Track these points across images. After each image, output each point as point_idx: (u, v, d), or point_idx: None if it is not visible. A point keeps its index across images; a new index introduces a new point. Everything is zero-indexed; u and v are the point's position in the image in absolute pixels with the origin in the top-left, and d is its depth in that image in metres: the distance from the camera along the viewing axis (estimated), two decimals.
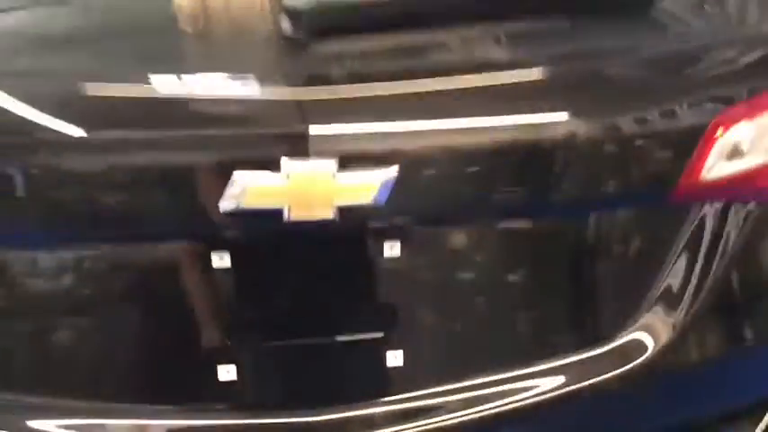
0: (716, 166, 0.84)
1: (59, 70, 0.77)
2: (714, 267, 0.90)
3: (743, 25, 0.99)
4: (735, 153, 0.85)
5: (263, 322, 0.83)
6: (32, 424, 0.80)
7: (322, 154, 0.71)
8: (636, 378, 0.89)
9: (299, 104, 0.74)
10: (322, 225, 0.72)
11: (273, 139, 0.72)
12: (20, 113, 0.71)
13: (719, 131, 0.83)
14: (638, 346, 0.90)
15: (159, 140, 0.73)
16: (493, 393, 0.87)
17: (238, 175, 0.69)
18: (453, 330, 0.88)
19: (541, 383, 0.88)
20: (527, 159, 0.80)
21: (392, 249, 0.80)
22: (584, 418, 0.92)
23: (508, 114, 0.78)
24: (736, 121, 0.84)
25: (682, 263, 0.89)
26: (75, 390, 0.82)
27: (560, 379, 0.88)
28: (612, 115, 0.81)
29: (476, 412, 0.86)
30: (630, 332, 0.90)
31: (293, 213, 0.71)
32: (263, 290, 0.81)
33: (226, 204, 0.70)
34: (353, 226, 0.75)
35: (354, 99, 0.75)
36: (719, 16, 0.98)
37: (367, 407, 0.84)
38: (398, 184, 0.72)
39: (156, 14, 0.88)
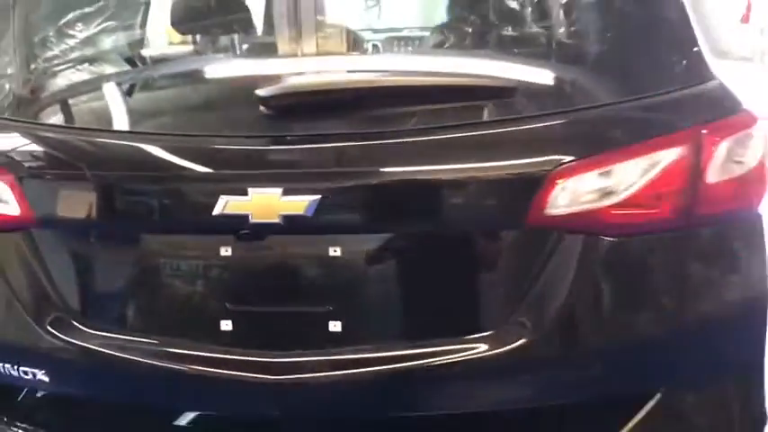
0: (554, 206, 1.18)
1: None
2: (569, 280, 1.22)
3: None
4: (572, 198, 1.19)
5: (249, 293, 1.29)
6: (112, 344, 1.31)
7: (272, 185, 1.17)
8: (509, 357, 1.23)
9: (261, 156, 1.22)
10: (273, 225, 1.18)
11: (244, 177, 1.20)
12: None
13: (559, 178, 1.18)
14: (511, 335, 1.24)
15: (190, 179, 1.24)
16: (404, 355, 1.25)
17: (222, 201, 1.17)
18: (378, 308, 1.29)
19: (442, 354, 1.25)
20: (420, 195, 1.21)
21: (332, 248, 1.23)
22: (473, 381, 1.27)
23: (400, 165, 1.21)
24: (570, 174, 1.18)
25: (544, 274, 1.23)
26: (143, 327, 1.33)
27: (455, 352, 1.25)
28: (484, 164, 1.21)
29: (390, 369, 1.25)
30: (506, 324, 1.25)
31: (254, 218, 1.18)
32: (248, 273, 1.28)
33: (219, 213, 1.18)
34: (293, 228, 1.19)
35: (292, 154, 1.22)
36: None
37: (313, 356, 1.27)
38: (319, 206, 1.16)
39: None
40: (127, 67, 1.65)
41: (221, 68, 1.71)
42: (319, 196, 1.16)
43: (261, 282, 1.29)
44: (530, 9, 1.59)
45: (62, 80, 1.52)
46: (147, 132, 1.34)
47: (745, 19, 5.96)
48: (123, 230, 1.33)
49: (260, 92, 1.21)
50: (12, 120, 1.39)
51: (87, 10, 1.66)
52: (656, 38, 1.35)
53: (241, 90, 1.37)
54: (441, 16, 1.82)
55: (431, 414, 1.32)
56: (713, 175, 1.22)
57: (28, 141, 1.35)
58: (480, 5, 1.70)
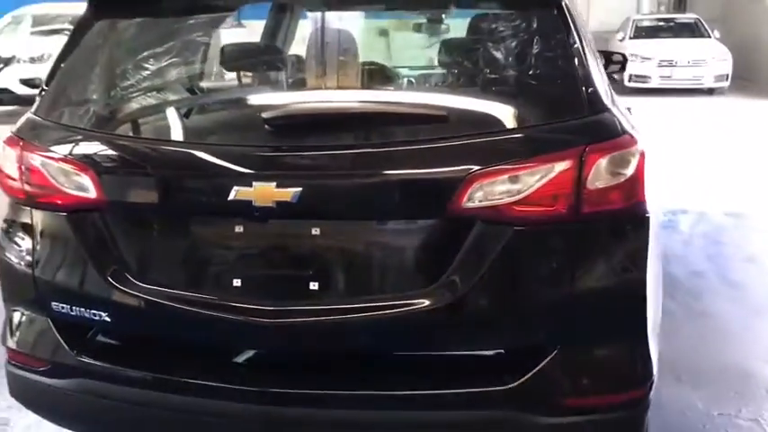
0: (472, 199, 1.63)
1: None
2: (491, 251, 1.66)
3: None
4: (484, 195, 1.63)
5: (253, 260, 1.77)
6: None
7: (268, 181, 1.65)
8: (439, 310, 1.67)
9: (262, 160, 1.71)
10: (270, 209, 1.66)
11: (250, 174, 1.69)
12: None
13: (475, 181, 1.63)
14: (441, 294, 1.68)
15: (214, 175, 1.74)
16: (365, 307, 1.71)
17: (234, 190, 1.67)
18: (346, 273, 1.76)
19: (392, 306, 1.70)
20: (375, 191, 1.69)
21: (313, 229, 1.71)
22: (414, 326, 1.71)
23: (361, 169, 1.68)
24: (484, 178, 1.63)
25: (466, 250, 1.67)
26: (176, 282, 1.82)
27: (401, 306, 1.70)
28: (422, 170, 1.67)
29: (354, 316, 1.71)
30: (438, 286, 1.69)
31: (256, 203, 1.66)
32: (253, 245, 1.77)
33: (231, 198, 1.68)
34: (283, 211, 1.67)
35: (284, 159, 1.71)
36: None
37: (297, 306, 1.74)
38: (300, 197, 1.64)
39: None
40: (186, 95, 2.17)
41: (245, 97, 2.24)
42: (300, 188, 1.65)
43: (262, 252, 1.78)
44: (466, 58, 2.08)
45: (134, 103, 2.06)
46: (185, 142, 1.87)
47: None
48: (165, 211, 1.85)
49: (264, 115, 1.72)
50: (93, 131, 1.93)
51: (158, 49, 2.21)
52: (560, 82, 1.80)
53: (255, 113, 1.88)
54: (410, 62, 2.32)
55: (382, 351, 1.77)
56: (593, 182, 1.65)
57: (104, 147, 1.88)
58: (434, 56, 2.20)
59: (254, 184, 1.66)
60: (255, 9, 2.41)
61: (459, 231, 1.68)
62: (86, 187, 1.82)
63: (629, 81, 13.56)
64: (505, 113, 1.86)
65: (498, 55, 1.93)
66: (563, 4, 1.80)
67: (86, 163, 1.83)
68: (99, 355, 1.92)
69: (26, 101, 7.42)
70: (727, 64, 13.08)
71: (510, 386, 1.70)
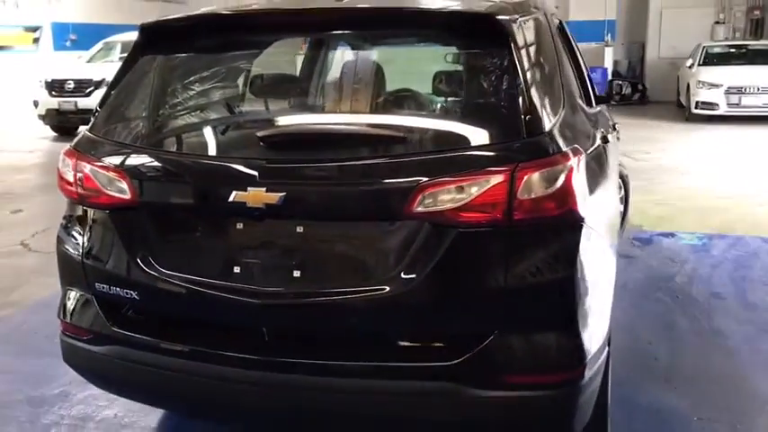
0: (421, 205, 1.98)
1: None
2: (439, 248, 1.99)
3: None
4: (432, 200, 1.98)
5: (249, 251, 2.17)
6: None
7: (259, 186, 2.05)
8: (397, 296, 2.02)
9: (255, 169, 2.11)
10: (261, 209, 2.06)
11: (245, 181, 2.09)
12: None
13: (424, 190, 1.98)
14: (398, 282, 2.03)
15: (219, 182, 2.15)
16: (338, 291, 2.07)
17: (233, 193, 2.08)
18: (323, 264, 2.13)
19: (359, 291, 2.06)
20: (345, 197, 2.06)
21: (297, 226, 2.10)
22: (377, 309, 2.05)
23: (334, 179, 2.07)
24: (431, 188, 1.98)
25: (417, 246, 2.02)
26: (187, 268, 2.23)
27: (366, 291, 2.06)
28: (383, 180, 2.04)
29: (330, 299, 2.07)
30: (396, 275, 2.04)
31: (249, 204, 2.07)
32: (250, 239, 2.17)
33: (231, 200, 2.08)
34: (271, 212, 2.06)
35: (272, 169, 2.10)
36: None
37: (283, 290, 2.12)
38: (284, 200, 2.04)
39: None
40: (202, 118, 2.62)
41: (248, 119, 2.68)
42: (284, 193, 2.04)
43: (256, 245, 2.18)
44: (427, 87, 2.45)
45: (161, 124, 2.52)
46: (199, 155, 2.31)
47: None
48: (181, 209, 2.28)
49: (259, 134, 2.13)
50: (130, 145, 2.38)
51: (205, 74, 2.67)
52: (502, 110, 2.14)
53: (253, 132, 2.28)
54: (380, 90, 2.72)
55: (350, 328, 2.13)
56: (523, 194, 1.97)
57: (138, 159, 2.32)
58: (401, 86, 2.58)
59: (248, 189, 2.06)
60: None
61: (412, 232, 2.03)
62: (124, 190, 2.27)
63: (696, 108, 13.49)
64: (454, 135, 2.21)
65: (453, 85, 2.27)
66: (510, 45, 2.13)
67: (124, 170, 2.28)
68: (130, 327, 2.34)
69: None
70: None
71: (453, 363, 2.03)
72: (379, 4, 2.45)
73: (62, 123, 12.73)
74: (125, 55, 2.58)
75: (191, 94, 2.58)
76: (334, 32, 2.51)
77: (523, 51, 2.18)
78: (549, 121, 2.12)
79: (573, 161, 2.06)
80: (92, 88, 12.25)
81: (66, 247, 2.46)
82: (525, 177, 1.97)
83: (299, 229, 2.11)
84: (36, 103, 12.73)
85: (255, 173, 2.10)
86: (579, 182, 2.08)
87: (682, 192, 7.78)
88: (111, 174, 2.29)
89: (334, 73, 2.54)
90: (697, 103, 13.43)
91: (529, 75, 2.13)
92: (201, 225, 2.27)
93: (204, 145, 2.47)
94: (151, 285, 2.25)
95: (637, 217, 6.60)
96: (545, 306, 2.06)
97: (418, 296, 2.03)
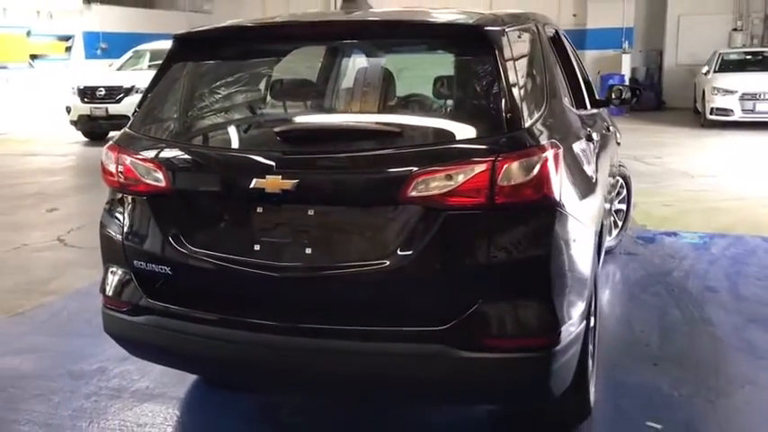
0: (415, 191, 2.30)
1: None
2: (430, 228, 2.31)
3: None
4: (424, 186, 2.30)
5: (268, 231, 2.50)
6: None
7: (276, 174, 2.39)
8: (397, 270, 2.33)
9: (273, 159, 2.44)
10: (278, 194, 2.39)
11: (264, 169, 2.43)
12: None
13: (417, 178, 2.30)
14: (398, 258, 2.34)
15: (242, 170, 2.49)
16: (346, 265, 2.39)
17: (254, 180, 2.41)
18: (331, 243, 2.46)
19: (364, 266, 2.38)
20: (351, 184, 2.39)
21: (309, 209, 2.43)
22: (379, 281, 2.36)
23: (341, 169, 2.40)
24: (423, 176, 2.30)
25: (412, 227, 2.34)
26: (213, 246, 2.56)
27: (371, 265, 2.37)
28: (384, 168, 2.36)
29: (338, 272, 2.39)
30: (395, 252, 2.35)
31: (268, 189, 2.40)
32: (268, 221, 2.50)
33: (252, 186, 2.42)
34: (287, 196, 2.39)
35: (288, 160, 2.43)
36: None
37: (298, 264, 2.44)
38: (297, 186, 2.37)
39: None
40: (228, 116, 2.96)
41: (269, 117, 3.01)
42: (298, 180, 2.37)
43: (274, 226, 2.51)
44: (423, 88, 2.77)
45: (192, 121, 2.86)
46: (225, 148, 2.65)
47: None
48: (209, 196, 2.62)
49: (276, 129, 2.46)
50: (164, 140, 2.73)
51: (230, 79, 3.02)
52: (487, 109, 2.46)
53: (272, 128, 2.62)
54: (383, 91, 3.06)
55: (354, 298, 2.45)
56: (503, 181, 2.28)
57: (171, 151, 2.66)
58: (401, 86, 2.91)
59: (266, 176, 2.40)
60: None
61: (408, 214, 2.34)
62: (160, 179, 2.61)
63: (711, 114, 13.66)
64: (445, 131, 2.54)
65: (446, 87, 2.60)
66: (495, 52, 2.45)
67: (160, 162, 2.62)
68: (163, 299, 2.68)
69: None
70: None
71: (442, 327, 2.34)
72: (384, 18, 2.79)
73: (93, 129, 13.23)
74: (154, 63, 2.95)
75: (217, 96, 2.93)
76: (343, 42, 2.84)
77: (508, 58, 2.49)
78: (528, 119, 2.43)
79: (549, 153, 2.37)
80: (122, 95, 12.71)
81: (109, 229, 2.81)
82: (505, 166, 2.28)
83: (311, 212, 2.44)
84: (68, 110, 13.24)
85: (273, 163, 2.43)
86: (555, 171, 2.38)
87: (688, 194, 8.01)
88: (148, 165, 2.64)
89: (343, 77, 2.86)
90: (712, 109, 13.61)
91: (511, 78, 2.44)
92: (226, 208, 2.61)
93: (228, 140, 2.82)
94: (182, 261, 2.59)
95: (642, 217, 6.86)
96: (522, 279, 2.37)
97: (413, 270, 2.34)
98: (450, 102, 2.68)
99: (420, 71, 2.97)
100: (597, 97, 4.58)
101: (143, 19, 18.35)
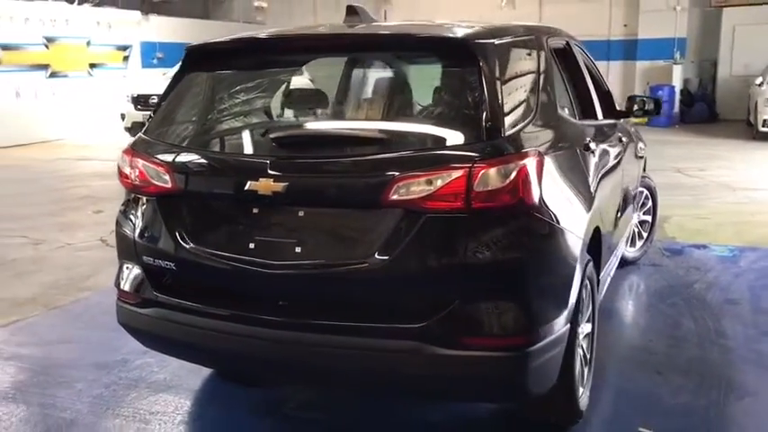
0: (396, 194, 2.43)
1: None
2: (410, 230, 2.43)
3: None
4: (405, 191, 2.42)
5: (262, 231, 2.66)
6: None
7: (268, 177, 2.55)
8: (378, 269, 2.46)
9: (267, 163, 2.60)
10: (270, 196, 2.55)
11: (258, 173, 2.59)
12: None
13: (398, 182, 2.42)
14: (379, 257, 2.47)
15: (239, 173, 2.66)
16: (331, 264, 2.53)
17: (248, 183, 2.58)
18: (319, 242, 2.60)
19: (348, 264, 2.51)
20: (337, 188, 2.54)
21: (299, 211, 2.58)
22: (361, 279, 2.49)
23: (328, 173, 2.54)
24: (403, 180, 2.42)
25: (393, 229, 2.46)
26: (213, 244, 2.74)
27: (355, 264, 2.50)
28: (368, 173, 2.50)
29: (324, 271, 2.53)
30: (377, 252, 2.48)
31: (260, 191, 2.56)
32: (263, 221, 2.66)
33: (246, 188, 2.58)
34: (278, 198, 2.55)
35: (280, 163, 2.59)
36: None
37: (287, 262, 2.59)
38: (288, 189, 2.52)
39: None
40: (229, 124, 3.15)
41: (266, 125, 3.16)
42: (288, 183, 2.53)
43: (267, 226, 2.67)
44: (408, 98, 2.90)
45: (196, 128, 3.05)
46: (224, 152, 2.83)
47: None
48: (209, 197, 2.79)
49: (271, 135, 2.63)
50: (172, 144, 2.92)
51: (249, 85, 3.20)
52: (467, 119, 2.56)
53: (267, 135, 2.78)
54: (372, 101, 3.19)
55: (339, 295, 2.58)
56: (479, 186, 2.39)
57: (177, 155, 2.85)
58: (388, 96, 3.04)
59: (259, 179, 2.56)
60: None
61: (389, 216, 2.47)
62: (167, 180, 2.80)
63: (763, 126, 13.34)
64: (428, 138, 2.66)
65: (432, 96, 2.72)
66: (479, 64, 2.56)
67: (166, 165, 2.81)
68: (168, 292, 2.86)
69: None
70: None
71: (420, 325, 2.45)
72: (378, 31, 2.93)
73: None
74: None
75: (221, 104, 3.12)
76: (337, 54, 3.00)
77: (492, 69, 2.59)
78: (510, 128, 2.53)
79: (527, 161, 2.47)
80: None
81: (123, 228, 3.02)
82: (481, 173, 2.39)
83: (301, 213, 2.59)
84: (123, 116, 13.78)
85: (266, 167, 2.59)
86: (533, 178, 2.48)
87: (727, 207, 7.89)
88: (157, 167, 2.83)
89: (340, 87, 3.02)
90: (764, 121, 13.29)
91: (494, 89, 2.54)
92: (226, 209, 2.78)
93: (229, 144, 3.00)
94: (185, 258, 2.77)
95: (674, 230, 6.82)
96: (498, 281, 2.46)
97: (394, 269, 2.46)
98: (435, 110, 2.81)
99: (411, 82, 3.10)
100: (618, 108, 4.63)
101: (198, 29, 18.88)
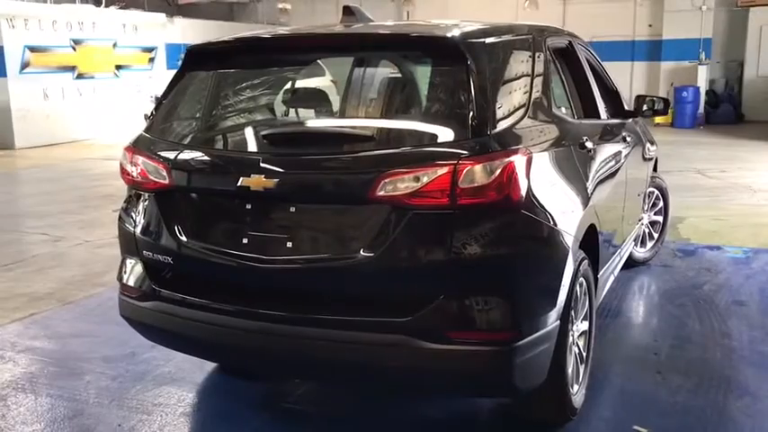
0: (382, 191, 2.47)
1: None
2: (397, 226, 2.47)
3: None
4: (391, 187, 2.47)
5: (255, 226, 2.72)
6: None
7: (260, 173, 2.61)
8: (364, 263, 2.50)
9: (259, 160, 2.66)
10: (261, 192, 2.61)
11: (250, 169, 2.65)
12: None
13: (384, 179, 2.47)
14: (366, 252, 2.52)
15: (232, 170, 2.73)
16: (320, 258, 2.59)
17: (240, 179, 2.64)
18: (309, 237, 2.65)
19: (336, 258, 2.57)
20: (324, 184, 2.59)
21: (290, 206, 2.64)
22: (349, 272, 2.54)
23: (316, 169, 2.60)
24: (389, 177, 2.47)
25: (381, 224, 2.50)
26: (207, 238, 2.81)
27: (343, 258, 2.56)
28: (356, 169, 2.55)
29: (314, 264, 2.59)
30: (363, 247, 2.53)
31: (252, 187, 2.62)
32: (256, 217, 2.72)
33: (239, 185, 2.65)
34: (270, 194, 2.61)
35: (272, 160, 2.65)
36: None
37: (279, 257, 2.65)
38: (278, 185, 2.58)
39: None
40: (224, 123, 3.21)
41: (259, 123, 3.22)
42: (279, 179, 2.58)
43: (260, 221, 2.73)
44: (397, 97, 2.94)
45: (192, 126, 3.13)
46: (218, 149, 2.90)
47: None
48: (203, 193, 2.86)
49: (262, 133, 2.69)
50: (169, 142, 2.99)
51: (258, 80, 3.27)
52: (454, 117, 2.60)
53: (260, 132, 2.85)
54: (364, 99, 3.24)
55: (329, 288, 2.64)
56: (464, 183, 2.43)
57: (174, 152, 2.91)
58: (378, 95, 3.09)
59: (251, 175, 2.62)
60: None
61: (377, 212, 2.52)
62: (164, 176, 2.88)
63: None
64: (415, 135, 2.69)
65: (422, 95, 2.76)
66: (467, 63, 2.59)
67: (164, 161, 2.89)
68: (166, 286, 2.93)
69: None
70: None
71: (406, 319, 2.49)
72: (371, 31, 2.98)
73: None
74: None
75: (217, 103, 3.18)
76: (331, 54, 3.05)
77: (481, 68, 2.62)
78: (498, 125, 2.56)
79: (514, 158, 2.50)
80: None
81: (125, 223, 3.11)
82: (466, 169, 2.43)
83: (292, 209, 2.65)
84: (146, 117, 13.95)
85: (257, 163, 2.65)
86: (519, 175, 2.50)
87: (744, 209, 7.81)
88: (156, 164, 2.91)
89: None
90: None
91: (482, 88, 2.57)
92: (219, 204, 2.85)
93: (223, 141, 3.07)
94: (182, 252, 2.84)
95: (689, 231, 6.77)
96: (483, 276, 2.50)
97: (381, 264, 2.50)
98: (424, 108, 2.84)
99: (403, 80, 3.14)
100: (626, 108, 4.62)
101: (223, 31, 19.01)
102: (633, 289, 5.20)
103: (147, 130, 3.10)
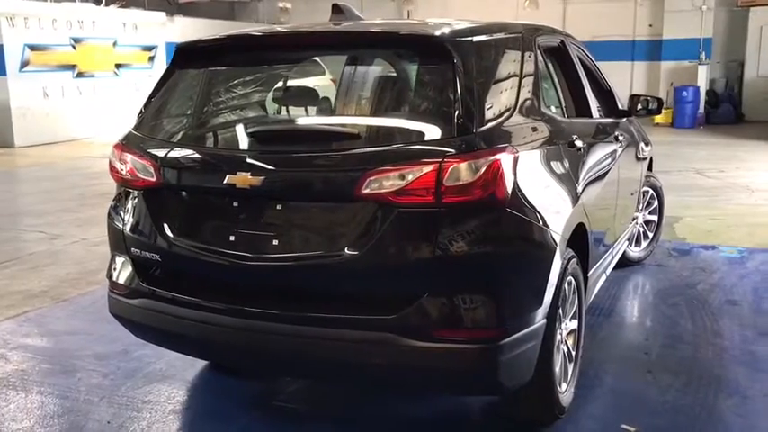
0: (368, 188, 2.47)
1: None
2: (383, 224, 2.48)
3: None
4: (377, 185, 2.47)
5: (242, 224, 2.73)
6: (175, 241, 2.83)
7: (245, 171, 2.61)
8: (351, 261, 2.51)
9: (245, 158, 2.68)
10: (247, 190, 2.61)
11: (236, 167, 2.65)
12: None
13: (369, 177, 2.47)
14: (352, 250, 2.52)
15: (219, 168, 2.73)
16: (306, 255, 2.59)
17: (227, 176, 2.64)
18: (295, 235, 2.66)
19: (322, 256, 2.57)
20: (310, 181, 2.60)
21: (277, 204, 2.64)
22: (335, 269, 2.54)
23: (302, 166, 2.60)
24: (374, 175, 2.47)
25: (366, 222, 2.51)
26: (195, 236, 2.81)
27: (329, 256, 2.56)
28: (343, 167, 2.55)
29: (300, 262, 2.60)
30: (348, 244, 2.53)
31: (238, 185, 2.62)
32: (242, 214, 2.72)
33: (225, 182, 2.65)
34: (255, 191, 2.61)
35: (257, 158, 2.66)
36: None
37: (265, 254, 2.65)
38: (264, 182, 2.58)
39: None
40: (211, 121, 3.22)
41: (245, 120, 3.20)
42: (264, 176, 2.59)
43: (247, 219, 2.73)
44: (384, 95, 2.95)
45: (179, 124, 3.13)
46: (206, 147, 2.91)
47: None
48: (191, 190, 2.87)
49: (249, 131, 2.69)
50: (156, 139, 2.99)
51: (247, 78, 3.27)
52: (440, 115, 2.60)
53: (246, 130, 2.85)
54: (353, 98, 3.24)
55: (314, 286, 2.64)
56: (449, 181, 2.43)
57: (161, 150, 2.91)
58: (366, 93, 3.09)
59: (237, 173, 2.62)
60: None
61: (362, 210, 2.52)
62: (152, 174, 2.88)
63: None
64: (401, 134, 2.68)
65: (408, 93, 2.77)
66: (453, 61, 2.59)
67: (152, 159, 2.89)
68: (154, 283, 2.94)
69: None
70: None
71: (391, 317, 2.50)
72: (358, 29, 2.99)
73: None
74: None
75: (206, 101, 3.19)
76: (317, 52, 3.06)
77: (468, 67, 2.63)
78: (484, 124, 2.57)
79: (500, 156, 2.50)
80: None
81: (114, 221, 3.11)
82: (450, 168, 2.43)
83: (278, 207, 2.65)
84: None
85: (243, 161, 2.66)
86: (505, 174, 2.51)
87: (741, 209, 7.79)
88: (144, 162, 2.92)
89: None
90: None
91: (468, 86, 2.58)
92: (206, 202, 2.85)
93: (209, 140, 3.08)
94: (170, 250, 2.85)
95: (685, 231, 6.76)
96: (468, 274, 2.50)
97: (366, 262, 2.50)
98: (411, 106, 2.84)
99: (390, 79, 3.15)
100: (620, 107, 4.62)
101: (223, 30, 18.97)
102: (627, 288, 5.20)
103: (137, 127, 3.11)
